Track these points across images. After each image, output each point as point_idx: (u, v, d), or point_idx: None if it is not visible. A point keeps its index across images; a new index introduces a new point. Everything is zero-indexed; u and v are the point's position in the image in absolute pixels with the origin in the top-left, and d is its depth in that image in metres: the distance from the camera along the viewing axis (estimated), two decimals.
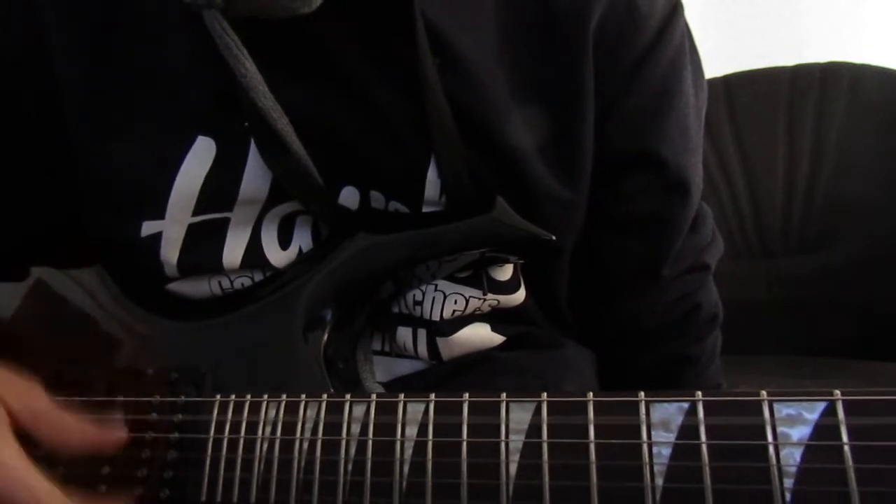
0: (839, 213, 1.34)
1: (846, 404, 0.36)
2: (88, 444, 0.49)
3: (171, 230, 0.58)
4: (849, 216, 1.33)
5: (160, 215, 0.58)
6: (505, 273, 0.60)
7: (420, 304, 0.60)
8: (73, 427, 0.49)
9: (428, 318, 0.60)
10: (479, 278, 0.59)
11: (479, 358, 0.62)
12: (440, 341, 0.61)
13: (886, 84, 1.34)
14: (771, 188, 1.38)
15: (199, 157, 0.57)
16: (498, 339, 0.63)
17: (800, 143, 1.37)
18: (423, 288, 0.60)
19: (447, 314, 0.59)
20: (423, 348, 0.61)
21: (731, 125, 1.40)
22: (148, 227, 0.58)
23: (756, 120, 1.39)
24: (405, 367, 0.62)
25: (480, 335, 0.62)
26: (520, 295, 0.61)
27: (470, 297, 0.59)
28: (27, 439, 0.47)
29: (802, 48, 1.66)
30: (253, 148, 0.56)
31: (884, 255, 1.29)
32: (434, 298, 0.59)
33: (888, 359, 1.20)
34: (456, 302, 0.59)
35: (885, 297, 1.27)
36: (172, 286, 0.61)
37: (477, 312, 0.61)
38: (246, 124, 0.55)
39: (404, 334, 0.61)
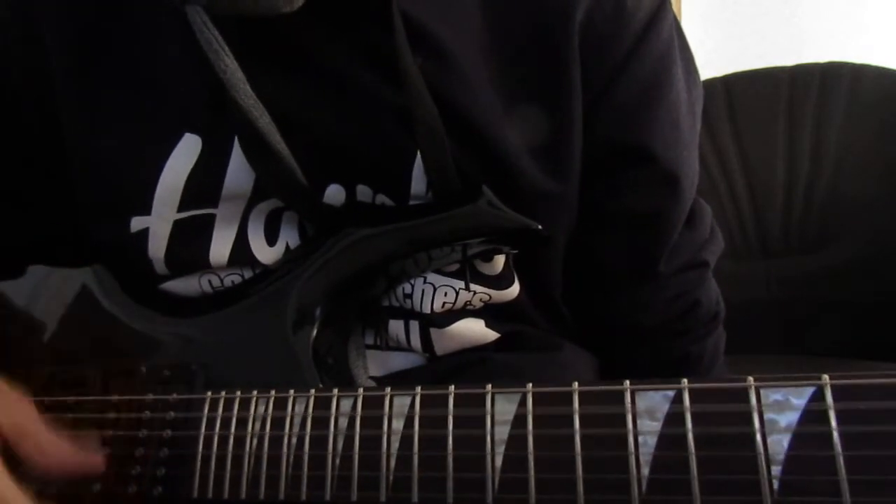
0: (839, 213, 1.33)
1: (835, 389, 0.35)
2: (66, 470, 0.50)
3: (157, 226, 0.58)
4: (849, 216, 1.32)
5: (147, 211, 0.58)
6: (496, 267, 0.60)
7: (409, 296, 0.59)
8: (53, 451, 0.49)
9: (419, 310, 0.59)
10: (463, 271, 0.59)
11: (475, 360, 0.61)
12: (434, 332, 0.60)
13: (886, 84, 1.33)
14: (771, 188, 1.37)
15: (185, 153, 0.57)
16: (492, 335, 0.62)
17: (800, 143, 1.36)
18: (413, 281, 0.59)
19: (437, 307, 0.59)
20: (416, 340, 0.60)
21: (731, 125, 1.39)
22: (136, 223, 0.59)
23: (756, 120, 1.39)
24: (400, 360, 0.62)
25: (473, 330, 0.61)
26: (513, 290, 0.61)
27: (459, 289, 0.59)
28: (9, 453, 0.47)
29: (802, 48, 1.66)
30: (236, 143, 0.56)
31: (883, 254, 1.28)
32: (424, 291, 0.59)
33: (888, 359, 1.19)
34: (446, 294, 0.59)
35: (884, 297, 1.27)
36: (165, 286, 0.61)
37: (469, 307, 0.60)
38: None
39: (396, 326, 0.61)
